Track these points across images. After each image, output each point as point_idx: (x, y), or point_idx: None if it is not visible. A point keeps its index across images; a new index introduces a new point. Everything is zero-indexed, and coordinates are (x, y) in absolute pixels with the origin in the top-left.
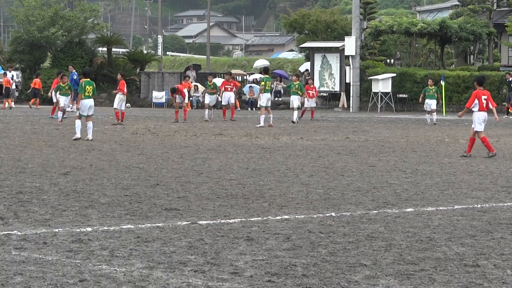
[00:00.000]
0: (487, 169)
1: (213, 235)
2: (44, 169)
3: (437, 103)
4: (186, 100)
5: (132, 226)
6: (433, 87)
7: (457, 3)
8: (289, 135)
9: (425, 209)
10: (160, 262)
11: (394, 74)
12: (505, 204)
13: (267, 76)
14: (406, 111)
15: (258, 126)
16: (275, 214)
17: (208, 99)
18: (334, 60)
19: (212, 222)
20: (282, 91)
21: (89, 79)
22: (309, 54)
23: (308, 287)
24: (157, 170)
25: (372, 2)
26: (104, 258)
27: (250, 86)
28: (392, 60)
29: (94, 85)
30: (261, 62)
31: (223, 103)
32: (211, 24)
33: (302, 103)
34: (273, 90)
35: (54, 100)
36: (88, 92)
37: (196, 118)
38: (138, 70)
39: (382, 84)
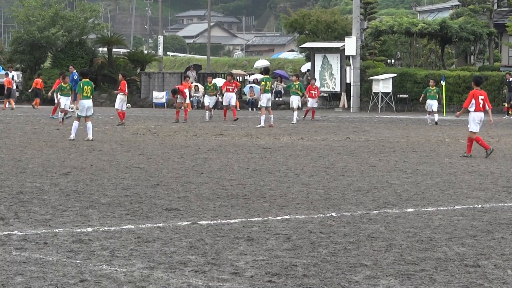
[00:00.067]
0: (487, 169)
1: (214, 235)
2: (45, 169)
3: (439, 104)
4: (187, 100)
5: (133, 226)
6: (435, 87)
7: (458, 3)
8: (290, 135)
9: (426, 209)
10: (161, 262)
11: (395, 74)
12: (505, 204)
13: (268, 76)
14: (407, 111)
15: (258, 126)
16: (276, 214)
17: (208, 101)
18: (334, 60)
19: (212, 222)
20: (282, 91)
21: (87, 80)
22: (310, 54)
23: (308, 287)
24: (158, 170)
25: (373, 2)
26: (105, 258)
27: (251, 87)
28: (392, 60)
29: (93, 86)
30: (261, 62)
31: (224, 104)
32: (211, 24)
33: (305, 103)
34: (274, 90)
35: (56, 101)
36: (86, 93)
37: (196, 118)
38: (138, 70)
39: (383, 84)
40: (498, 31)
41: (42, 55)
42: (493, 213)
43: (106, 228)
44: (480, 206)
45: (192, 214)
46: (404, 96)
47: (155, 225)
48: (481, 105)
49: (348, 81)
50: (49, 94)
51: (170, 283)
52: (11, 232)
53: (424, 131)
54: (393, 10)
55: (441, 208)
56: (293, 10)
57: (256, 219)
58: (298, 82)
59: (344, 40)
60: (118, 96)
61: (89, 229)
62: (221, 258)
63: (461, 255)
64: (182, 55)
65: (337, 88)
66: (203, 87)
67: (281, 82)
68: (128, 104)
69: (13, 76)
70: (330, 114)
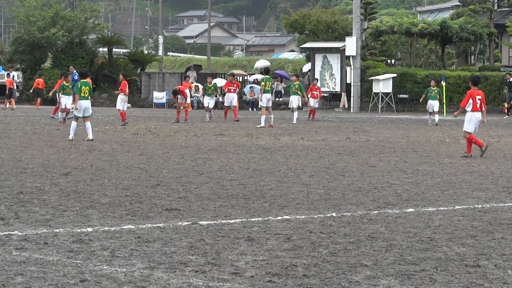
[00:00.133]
0: (488, 170)
1: (214, 235)
2: (45, 170)
3: (440, 104)
4: (188, 100)
5: (133, 227)
6: (436, 88)
7: (458, 3)
8: (290, 135)
9: (426, 209)
10: (161, 263)
11: (395, 75)
12: (506, 204)
13: (268, 76)
14: (407, 111)
15: (258, 126)
16: (276, 214)
17: (208, 101)
18: (334, 61)
19: (212, 222)
20: (282, 91)
21: (85, 80)
22: (310, 55)
23: (308, 287)
24: (158, 171)
25: (373, 3)
26: (105, 258)
27: (251, 87)
28: (392, 61)
29: (91, 86)
30: (262, 63)
31: (225, 104)
32: (212, 24)
33: (305, 103)
34: (274, 90)
35: (58, 100)
36: (84, 93)
37: (196, 118)
38: (138, 70)
39: (383, 84)
40: (498, 31)
41: (42, 55)
42: (494, 213)
43: (106, 228)
44: (480, 206)
45: (192, 214)
46: (405, 96)
47: (155, 225)
48: (478, 105)
49: (348, 81)
50: (50, 94)
51: (170, 283)
52: (11, 232)
53: (424, 131)
54: (393, 10)
55: (442, 208)
56: (293, 10)
57: (256, 219)
58: (298, 82)
59: (344, 40)
60: (119, 96)
61: (89, 229)
62: (221, 258)
63: (461, 255)
64: (182, 55)
65: (338, 88)
66: (203, 87)
67: (281, 82)
68: (128, 104)
69: (13, 76)
70: (331, 114)
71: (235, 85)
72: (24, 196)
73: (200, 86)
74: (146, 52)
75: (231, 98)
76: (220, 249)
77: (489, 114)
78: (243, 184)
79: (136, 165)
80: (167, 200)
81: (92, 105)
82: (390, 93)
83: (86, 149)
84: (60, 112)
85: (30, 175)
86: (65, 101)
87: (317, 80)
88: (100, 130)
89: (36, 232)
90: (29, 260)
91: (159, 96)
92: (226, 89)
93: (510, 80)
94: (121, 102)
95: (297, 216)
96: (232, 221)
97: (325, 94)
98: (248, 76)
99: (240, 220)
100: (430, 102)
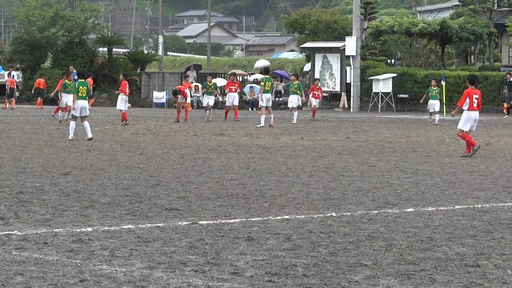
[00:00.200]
0: (487, 169)
1: (214, 235)
2: (45, 169)
3: (440, 104)
4: (188, 100)
5: (133, 226)
6: (436, 88)
7: (458, 3)
8: (290, 135)
9: (426, 209)
10: (161, 262)
11: (395, 74)
12: (505, 204)
13: (268, 76)
14: (407, 111)
15: (258, 126)
16: (276, 214)
17: (207, 100)
18: (334, 60)
19: (212, 222)
20: (282, 91)
21: (83, 80)
22: (310, 54)
23: (308, 287)
24: (158, 170)
25: (373, 2)
26: (105, 258)
27: (251, 86)
28: (392, 60)
29: (88, 86)
30: (261, 62)
31: (227, 104)
32: (211, 24)
33: (304, 103)
34: (274, 90)
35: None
36: (82, 93)
37: (196, 118)
38: (138, 70)
39: (383, 84)
40: (498, 31)
41: (42, 55)
42: (493, 213)
43: (106, 228)
44: (480, 206)
45: (192, 214)
46: (404, 96)
47: (155, 225)
48: (475, 104)
49: (348, 81)
50: (51, 94)
51: (170, 283)
52: (11, 232)
53: (424, 131)
54: (393, 10)
55: (441, 208)
56: (293, 10)
57: (256, 219)
58: (297, 82)
59: (344, 40)
60: (119, 96)
61: (89, 229)
62: (221, 258)
63: (461, 255)
64: (182, 55)
65: (337, 88)
66: (202, 86)
67: (281, 82)
68: (128, 104)
69: (13, 76)
70: (330, 114)
71: (236, 85)
72: (24, 196)
73: (200, 86)
74: (146, 52)
75: (232, 98)
76: (219, 249)
77: (489, 114)
78: (243, 184)
79: (136, 164)
80: (167, 200)
81: (92, 105)
82: (390, 93)
83: (86, 149)
84: (60, 111)
85: (30, 175)
86: (66, 99)
87: (319, 80)
88: (100, 130)
89: (36, 232)
90: (28, 260)
91: (159, 96)
92: (228, 89)
93: (510, 80)
94: (122, 102)
95: (297, 216)
96: (231, 221)
97: (325, 94)
98: (248, 76)
99: (239, 220)
100: (430, 101)
